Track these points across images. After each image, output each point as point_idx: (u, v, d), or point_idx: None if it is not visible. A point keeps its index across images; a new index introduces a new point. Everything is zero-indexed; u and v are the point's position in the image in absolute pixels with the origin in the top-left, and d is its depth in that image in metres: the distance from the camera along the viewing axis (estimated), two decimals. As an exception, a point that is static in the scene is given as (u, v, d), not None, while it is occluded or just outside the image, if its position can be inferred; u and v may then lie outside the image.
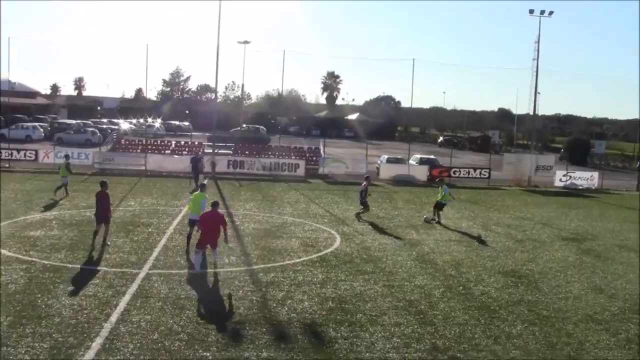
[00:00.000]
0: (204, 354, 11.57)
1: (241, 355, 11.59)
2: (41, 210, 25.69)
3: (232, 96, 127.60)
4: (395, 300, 15.41)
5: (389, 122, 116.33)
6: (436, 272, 18.34)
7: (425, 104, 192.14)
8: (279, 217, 26.78)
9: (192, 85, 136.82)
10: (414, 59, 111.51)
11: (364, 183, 27.55)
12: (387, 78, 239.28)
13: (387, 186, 41.33)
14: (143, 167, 43.21)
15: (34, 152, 44.82)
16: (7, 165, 41.49)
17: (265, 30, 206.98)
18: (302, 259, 19.11)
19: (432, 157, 51.64)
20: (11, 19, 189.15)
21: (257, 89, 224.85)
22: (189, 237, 19.61)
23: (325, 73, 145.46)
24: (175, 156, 46.61)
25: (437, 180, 38.59)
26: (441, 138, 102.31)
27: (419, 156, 50.99)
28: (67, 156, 33.87)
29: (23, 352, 11.29)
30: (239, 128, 77.97)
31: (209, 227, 17.16)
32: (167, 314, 13.55)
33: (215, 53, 49.90)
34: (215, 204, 17.74)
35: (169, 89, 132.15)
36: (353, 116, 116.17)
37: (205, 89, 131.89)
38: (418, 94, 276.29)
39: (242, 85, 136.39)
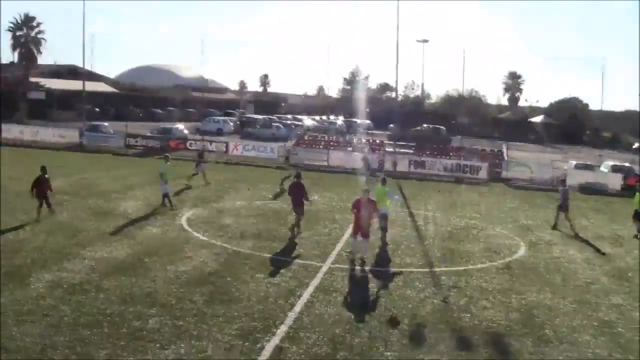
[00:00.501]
0: (385, 353, 11.48)
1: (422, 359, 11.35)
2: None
3: (412, 95, 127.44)
4: (587, 318, 14.27)
5: (576, 125, 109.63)
6: (636, 293, 16.64)
7: (618, 107, 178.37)
8: (460, 219, 26.11)
9: (372, 84, 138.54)
10: (605, 57, 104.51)
11: (564, 187, 25.93)
12: (572, 78, 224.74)
13: (575, 194, 38.72)
14: (325, 163, 44.42)
15: (224, 144, 48.03)
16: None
17: (444, 28, 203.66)
18: (485, 265, 18.44)
19: (627, 164, 47.70)
20: (212, 19, 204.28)
21: (437, 88, 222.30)
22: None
23: (506, 73, 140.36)
24: (356, 153, 47.29)
25: (638, 186, 35.24)
26: (637, 144, 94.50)
27: (611, 163, 47.40)
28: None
29: (215, 330, 12.00)
30: (418, 127, 77.54)
31: (359, 213, 17.50)
32: (349, 310, 13.65)
33: (395, 52, 50.07)
34: (365, 192, 18.05)
35: (349, 87, 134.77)
36: (537, 118, 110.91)
37: (384, 87, 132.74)
38: (609, 96, 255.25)
39: (422, 84, 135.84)
